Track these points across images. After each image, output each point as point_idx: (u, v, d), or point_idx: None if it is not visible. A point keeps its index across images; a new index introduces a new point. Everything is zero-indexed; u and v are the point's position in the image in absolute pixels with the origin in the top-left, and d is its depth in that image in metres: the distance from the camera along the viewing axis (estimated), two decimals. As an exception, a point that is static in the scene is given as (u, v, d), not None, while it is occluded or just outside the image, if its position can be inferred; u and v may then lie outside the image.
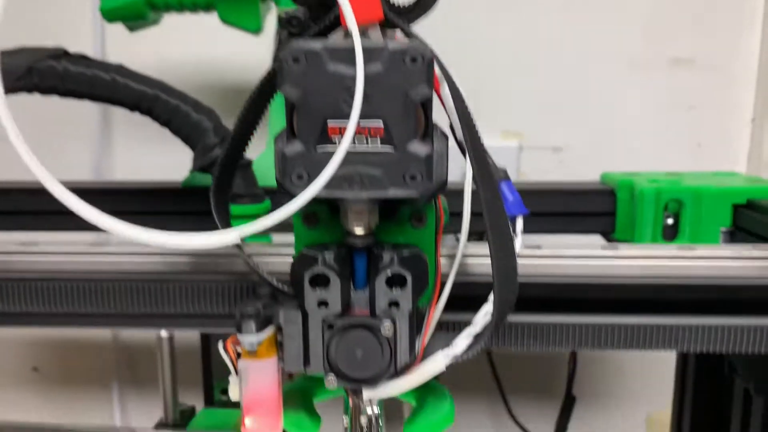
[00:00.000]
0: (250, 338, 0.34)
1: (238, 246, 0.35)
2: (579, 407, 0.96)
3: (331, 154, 0.32)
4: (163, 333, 0.56)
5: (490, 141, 0.44)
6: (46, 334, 1.10)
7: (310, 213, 0.38)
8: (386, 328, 0.34)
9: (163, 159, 0.89)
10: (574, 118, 0.98)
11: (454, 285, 0.38)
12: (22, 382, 1.11)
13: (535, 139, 0.98)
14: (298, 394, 0.40)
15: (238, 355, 0.36)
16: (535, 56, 0.96)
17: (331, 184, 0.33)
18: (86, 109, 1.00)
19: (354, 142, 0.32)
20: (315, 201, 0.37)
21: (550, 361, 1.05)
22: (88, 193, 0.60)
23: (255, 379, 0.35)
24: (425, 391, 0.40)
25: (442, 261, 0.39)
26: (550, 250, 0.40)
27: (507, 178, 0.42)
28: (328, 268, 0.34)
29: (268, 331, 0.34)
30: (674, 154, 0.98)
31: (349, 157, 0.32)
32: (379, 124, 0.32)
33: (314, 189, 0.31)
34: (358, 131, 0.32)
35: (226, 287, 0.39)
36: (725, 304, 0.39)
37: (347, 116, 0.31)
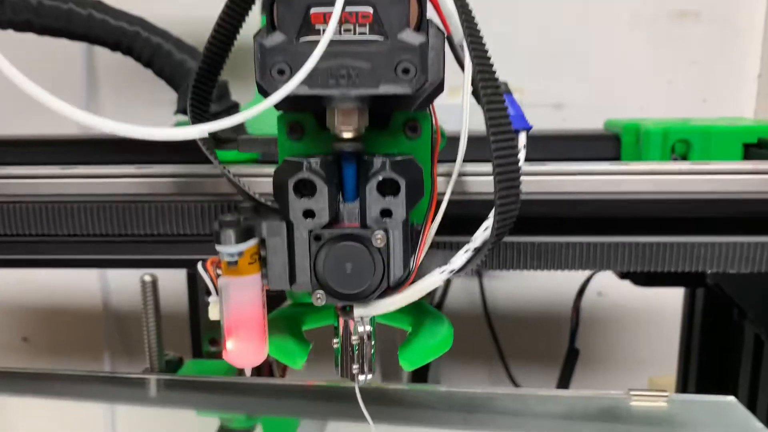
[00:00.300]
0: (230, 249, 0.31)
1: (203, 143, 0.32)
2: (580, 370, 0.94)
3: (315, 44, 0.29)
4: (146, 277, 0.53)
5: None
6: (36, 304, 1.07)
7: (294, 123, 0.35)
8: (378, 238, 0.31)
9: (151, 116, 0.86)
10: (576, 74, 0.95)
11: (451, 204, 0.36)
12: (11, 352, 1.09)
13: (536, 96, 0.95)
14: (285, 322, 0.37)
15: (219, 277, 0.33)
16: (535, 10, 0.93)
17: (316, 81, 0.30)
18: (71, 68, 0.97)
19: (340, 31, 0.30)
20: (300, 107, 0.34)
21: (550, 325, 1.03)
22: (73, 143, 0.57)
23: (236, 298, 0.32)
24: (421, 316, 0.37)
25: (438, 180, 0.37)
26: (556, 167, 0.37)
27: (508, 91, 0.39)
28: (314, 173, 0.31)
29: (250, 243, 0.31)
30: (678, 110, 0.95)
31: (335, 48, 0.29)
32: (368, 9, 0.29)
33: (296, 80, 0.28)
34: (345, 18, 0.29)
35: (206, 208, 0.37)
36: (743, 222, 0.36)
37: (332, 2, 0.29)
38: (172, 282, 0.71)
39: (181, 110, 0.61)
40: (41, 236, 0.37)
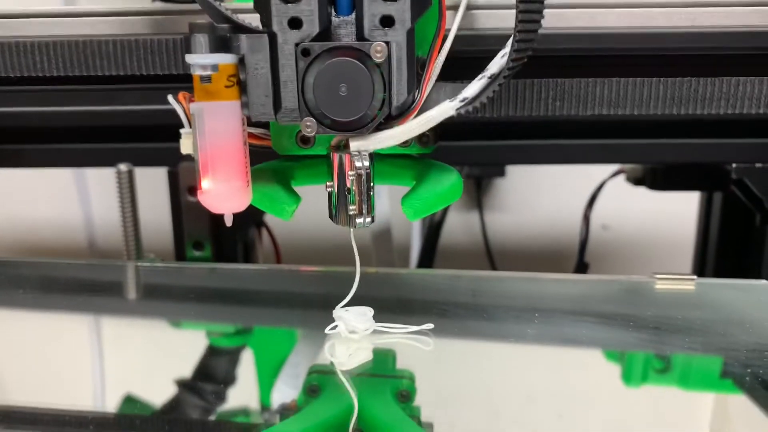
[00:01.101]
0: (202, 59, 0.26)
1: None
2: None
3: None
4: (122, 166, 0.49)
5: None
6: (19, 244, 1.03)
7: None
8: (377, 51, 0.27)
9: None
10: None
11: (458, 39, 0.31)
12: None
13: None
14: (273, 173, 0.32)
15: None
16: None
17: None
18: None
19: None
20: None
21: (555, 260, 0.99)
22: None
23: (212, 127, 0.28)
24: (426, 167, 0.32)
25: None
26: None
27: None
28: (301, -28, 0.26)
29: (227, 59, 0.27)
30: None
31: None
32: None
33: None
34: None
35: (179, 43, 0.32)
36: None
37: None
38: (153, 190, 0.66)
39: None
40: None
